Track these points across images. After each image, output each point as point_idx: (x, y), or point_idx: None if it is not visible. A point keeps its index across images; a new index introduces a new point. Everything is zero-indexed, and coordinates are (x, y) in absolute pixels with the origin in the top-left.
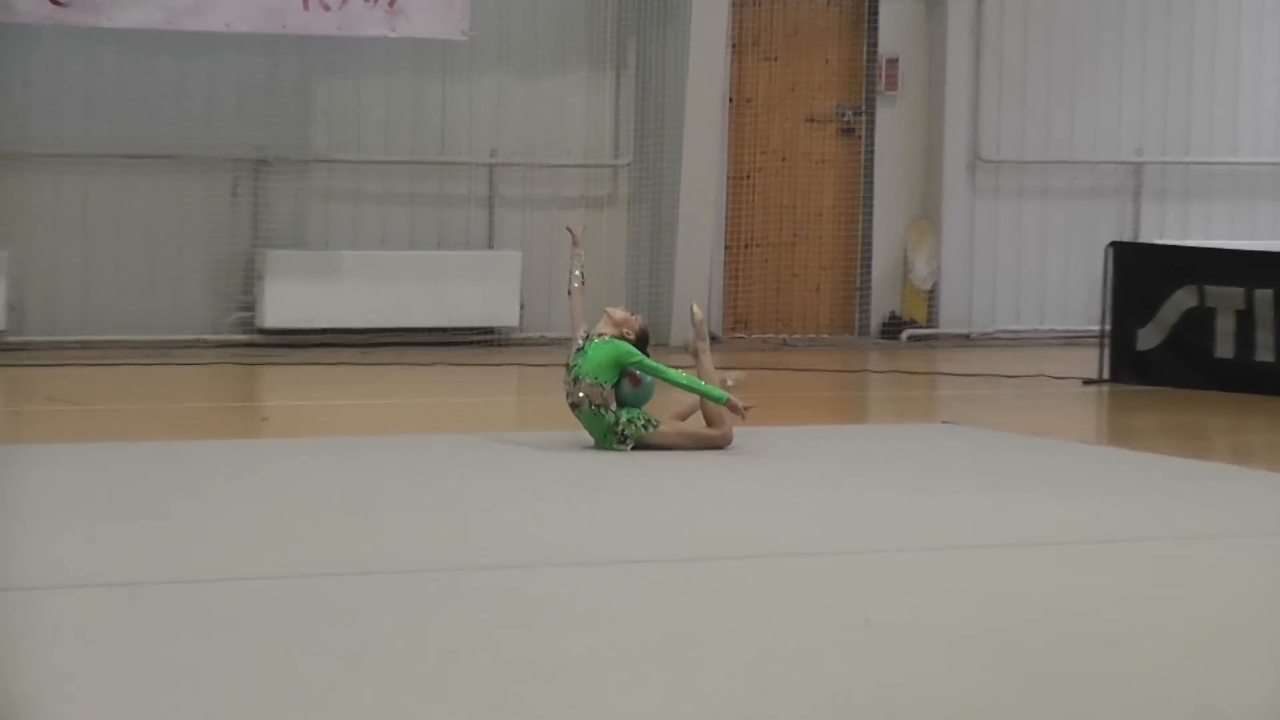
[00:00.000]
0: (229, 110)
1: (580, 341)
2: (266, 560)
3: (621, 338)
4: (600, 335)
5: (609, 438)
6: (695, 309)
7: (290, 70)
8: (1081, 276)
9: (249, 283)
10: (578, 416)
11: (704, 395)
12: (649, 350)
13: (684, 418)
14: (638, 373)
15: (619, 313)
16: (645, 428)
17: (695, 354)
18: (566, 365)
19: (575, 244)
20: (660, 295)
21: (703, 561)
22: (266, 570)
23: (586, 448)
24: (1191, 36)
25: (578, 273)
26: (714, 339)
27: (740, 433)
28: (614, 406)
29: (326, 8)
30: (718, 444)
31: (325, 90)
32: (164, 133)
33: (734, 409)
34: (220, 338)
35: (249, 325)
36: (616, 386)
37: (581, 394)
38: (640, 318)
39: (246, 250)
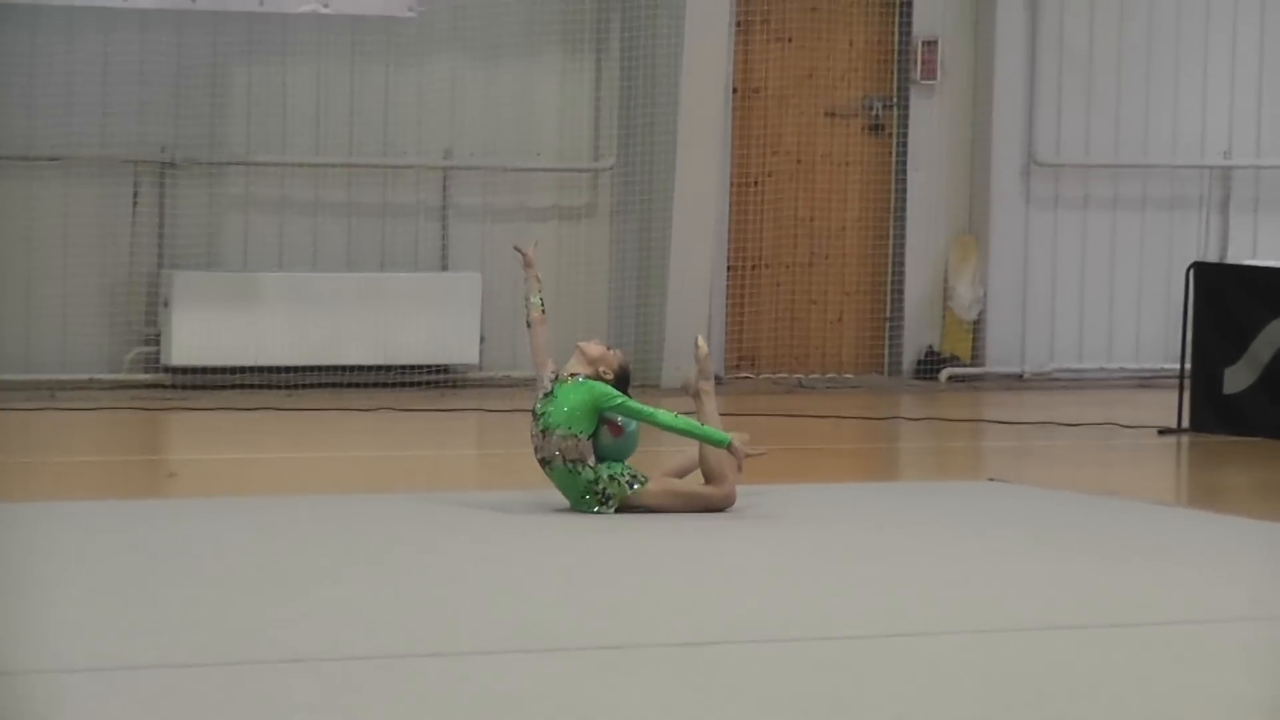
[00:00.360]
0: (128, 102)
1: (548, 384)
2: (170, 645)
3: (597, 377)
4: (572, 376)
5: (588, 499)
6: (700, 342)
7: (202, 54)
8: (1157, 305)
9: (152, 311)
10: (549, 474)
11: (703, 439)
12: (630, 392)
13: (680, 475)
14: (619, 420)
15: (594, 347)
16: (631, 485)
17: (697, 396)
18: (533, 413)
19: (527, 265)
20: (650, 326)
21: (701, 647)
22: (169, 657)
23: (560, 510)
24: None
25: (535, 300)
26: (715, 379)
27: (745, 492)
28: (592, 461)
29: None
30: (718, 505)
31: (244, 78)
32: (48, 129)
33: (735, 454)
34: (117, 377)
35: (152, 362)
36: (594, 437)
37: (553, 448)
38: (620, 352)
39: (149, 272)
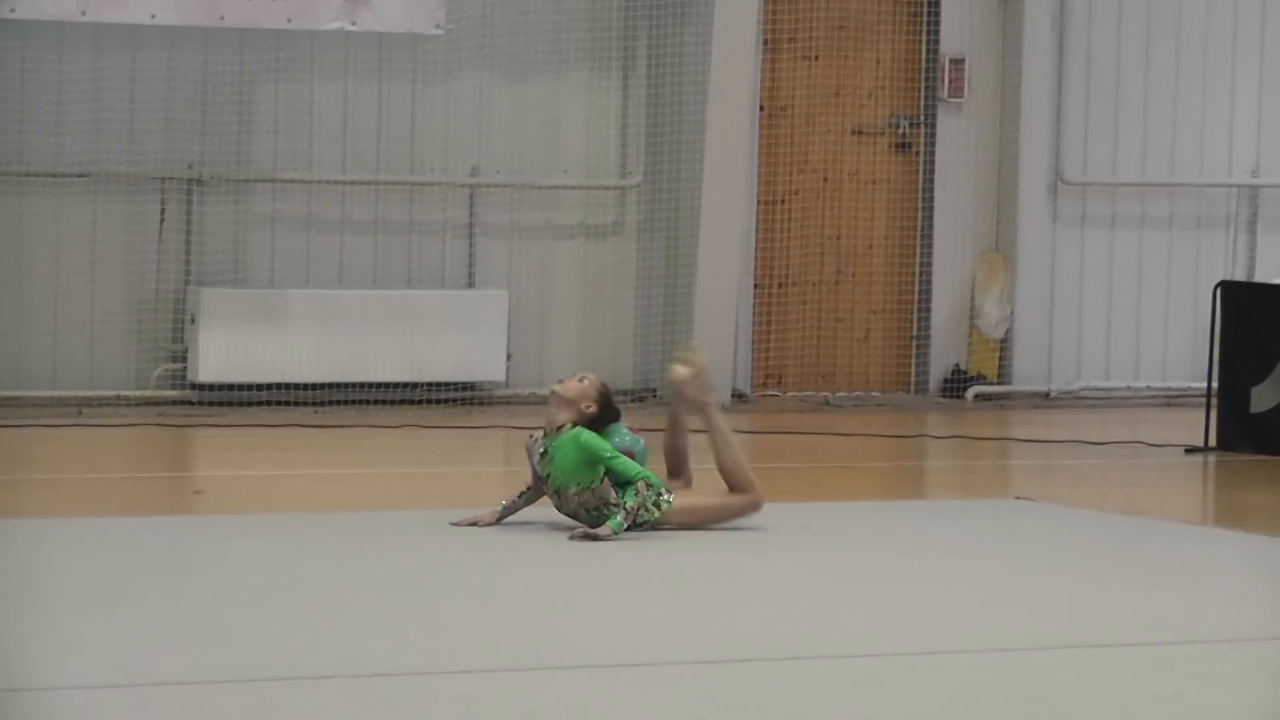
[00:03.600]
0: (155, 119)
1: (541, 445)
2: (196, 661)
3: (582, 414)
4: (560, 427)
5: (627, 528)
6: (690, 352)
7: (229, 71)
8: (1184, 323)
9: (179, 328)
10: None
11: (643, 480)
12: (618, 414)
13: (680, 471)
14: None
15: (569, 388)
16: (658, 508)
17: (701, 411)
18: (540, 477)
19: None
20: (676, 344)
21: (725, 665)
22: (195, 673)
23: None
24: None
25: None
26: (742, 397)
27: (772, 509)
28: (614, 497)
29: None
30: (746, 512)
31: (271, 95)
32: (76, 146)
33: (687, 390)
34: (144, 394)
35: (179, 379)
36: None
37: (574, 505)
38: (593, 379)
39: (176, 289)
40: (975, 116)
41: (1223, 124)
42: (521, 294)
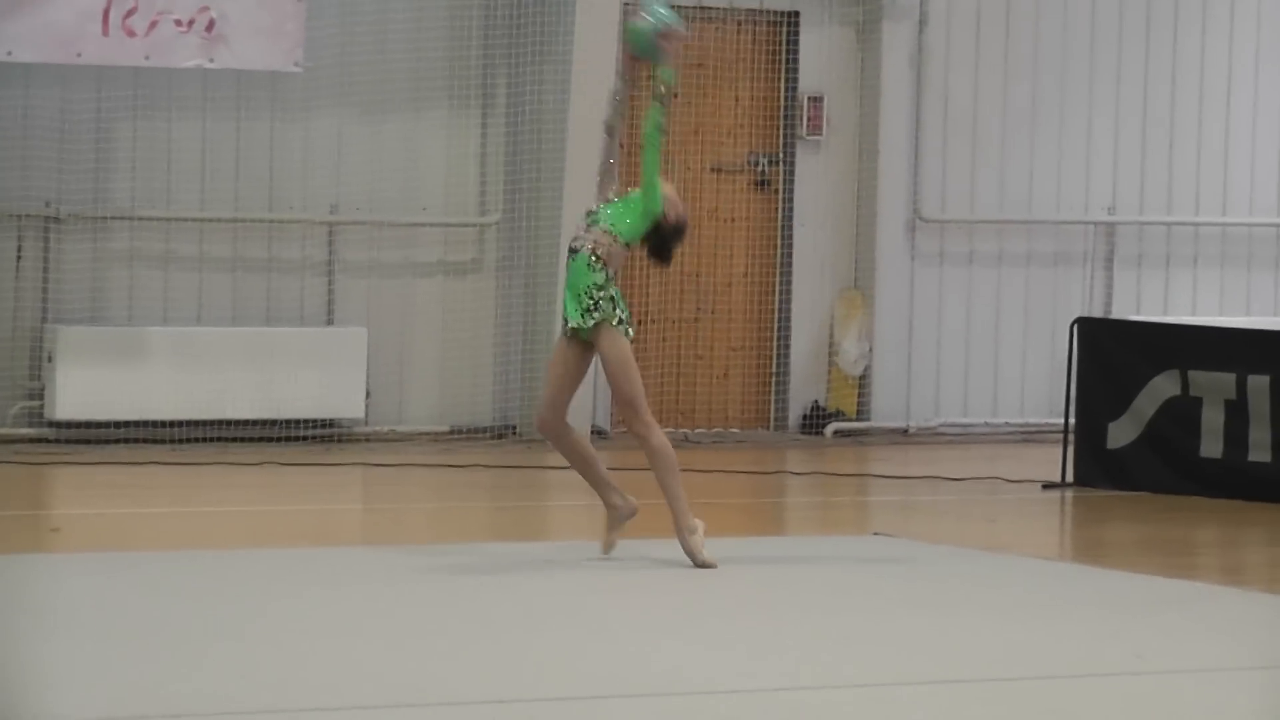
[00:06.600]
0: (12, 157)
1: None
2: (54, 700)
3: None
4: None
5: (581, 299)
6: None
7: (86, 109)
8: (1042, 360)
9: (35, 365)
10: (568, 266)
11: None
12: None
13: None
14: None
15: (670, 188)
16: (619, 322)
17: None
18: (589, 212)
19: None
20: (535, 382)
21: (586, 701)
22: (43, 713)
23: (441, 566)
24: (1174, 74)
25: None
26: (600, 434)
27: (635, 545)
28: (612, 273)
29: (131, 33)
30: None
31: (129, 132)
32: None
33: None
34: (0, 431)
35: (36, 417)
36: (628, 247)
37: (590, 239)
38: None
39: (33, 326)
40: (834, 154)
41: (1079, 161)
42: (381, 331)
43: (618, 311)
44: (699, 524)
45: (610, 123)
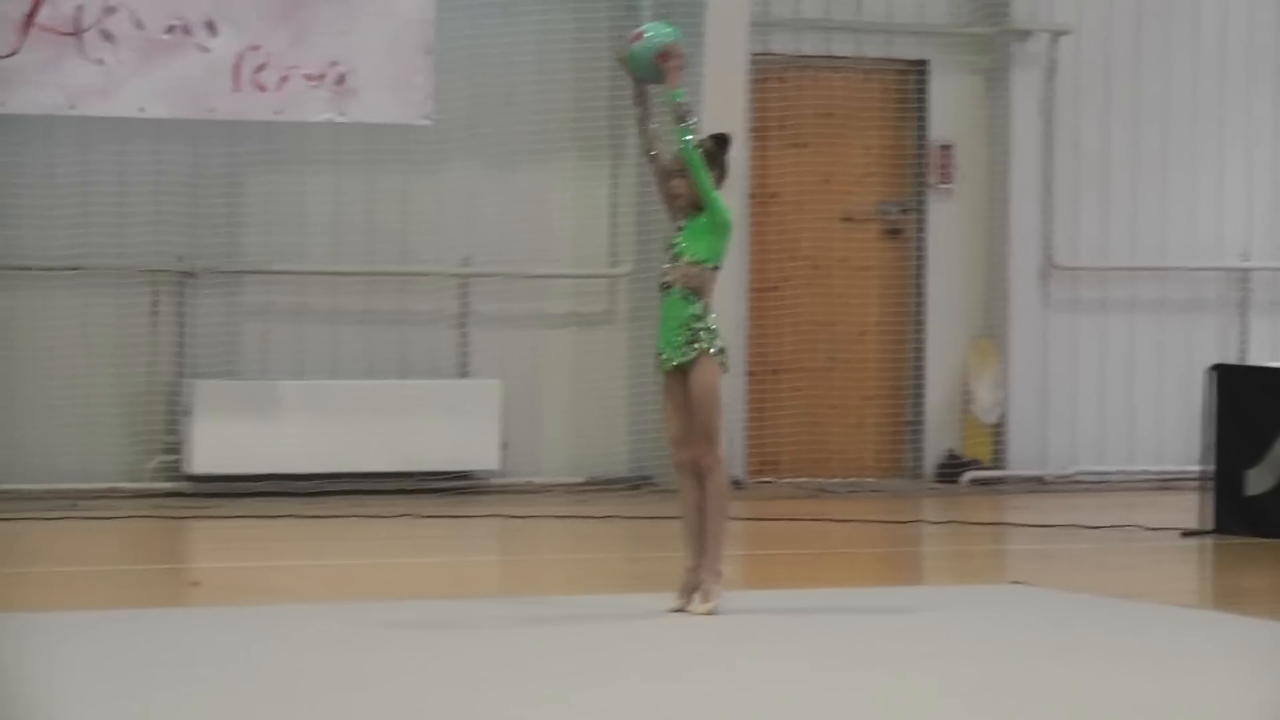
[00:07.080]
0: (145, 212)
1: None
2: None
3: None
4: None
5: (681, 333)
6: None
7: (218, 163)
8: (1177, 407)
9: (172, 420)
10: (662, 302)
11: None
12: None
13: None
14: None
15: None
16: (715, 354)
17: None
18: (670, 245)
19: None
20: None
21: None
22: None
23: (581, 616)
24: None
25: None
26: (737, 484)
27: (769, 596)
28: (707, 300)
29: (262, 88)
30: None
31: (261, 187)
32: (65, 239)
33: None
34: (138, 486)
35: (173, 471)
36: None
37: (678, 274)
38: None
39: (169, 381)
40: (965, 202)
41: (1212, 207)
42: (514, 383)
43: (717, 342)
44: (726, 572)
45: (647, 150)
